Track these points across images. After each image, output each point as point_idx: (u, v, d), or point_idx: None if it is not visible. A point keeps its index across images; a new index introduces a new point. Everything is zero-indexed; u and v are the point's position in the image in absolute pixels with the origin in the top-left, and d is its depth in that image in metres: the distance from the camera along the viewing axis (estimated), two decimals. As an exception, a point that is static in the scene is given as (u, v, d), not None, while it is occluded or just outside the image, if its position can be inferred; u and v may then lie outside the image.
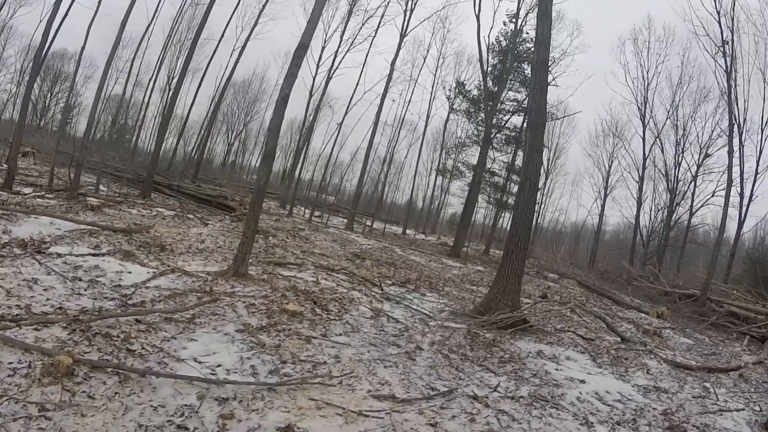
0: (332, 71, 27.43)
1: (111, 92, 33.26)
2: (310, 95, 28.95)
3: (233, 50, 25.58)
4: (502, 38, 25.35)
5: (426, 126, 33.71)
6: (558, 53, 23.95)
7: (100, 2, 14.31)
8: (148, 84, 29.02)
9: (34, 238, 7.57)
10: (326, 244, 13.13)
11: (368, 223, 25.05)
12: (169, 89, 29.29)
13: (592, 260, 28.91)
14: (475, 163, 23.56)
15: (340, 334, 5.62)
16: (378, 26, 26.27)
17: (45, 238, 7.79)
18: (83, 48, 14.36)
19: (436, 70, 33.04)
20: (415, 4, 24.57)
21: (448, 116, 32.94)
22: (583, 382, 5.63)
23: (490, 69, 23.41)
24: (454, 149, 32.78)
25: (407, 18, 24.44)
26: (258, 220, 7.69)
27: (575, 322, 8.80)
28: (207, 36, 30.94)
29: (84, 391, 3.49)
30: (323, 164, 28.90)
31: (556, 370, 5.88)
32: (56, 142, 14.95)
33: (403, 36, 24.31)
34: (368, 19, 26.99)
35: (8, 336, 4.00)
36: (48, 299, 5.22)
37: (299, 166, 29.50)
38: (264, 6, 24.31)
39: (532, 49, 13.55)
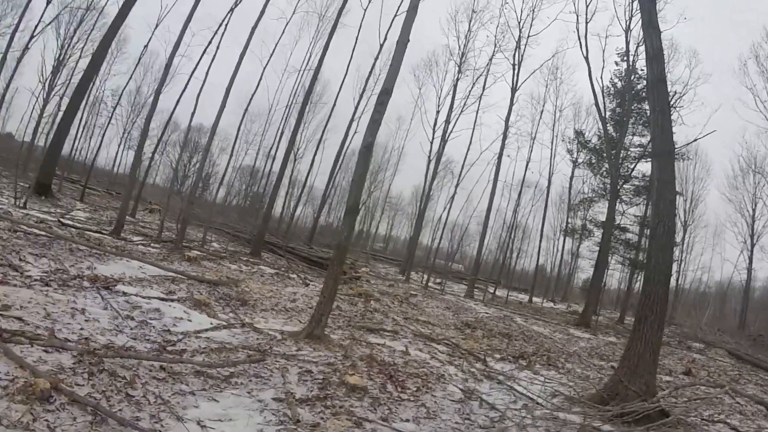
0: (447, 134, 30.52)
1: (242, 162, 40.65)
2: (428, 160, 32.21)
3: (351, 120, 29.25)
4: (616, 79, 26.56)
5: (549, 184, 35.57)
6: (679, 87, 24.32)
7: (206, 74, 18.59)
8: (269, 152, 34.54)
9: (109, 275, 8.62)
10: (437, 311, 13.49)
11: (491, 290, 26.34)
12: (295, 158, 34.65)
13: (741, 323, 28.77)
14: (604, 220, 24.63)
15: (407, 420, 5.00)
16: (485, 83, 29.45)
17: (123, 277, 8.82)
18: (216, 123, 17.14)
19: (554, 125, 35.39)
20: (523, 56, 27.34)
21: (572, 172, 34.80)
22: None
23: (608, 114, 24.80)
24: (580, 207, 34.19)
25: (516, 72, 27.22)
26: (338, 279, 7.98)
27: (726, 406, 8.07)
28: (323, 100, 36.21)
29: (46, 420, 3.51)
30: (447, 230, 31.55)
31: None
32: (185, 203, 17.68)
33: (514, 90, 26.89)
34: (478, 78, 30.47)
35: (9, 349, 4.28)
36: (82, 329, 5.58)
37: (420, 232, 32.07)
38: (368, 76, 28.20)
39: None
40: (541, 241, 36.70)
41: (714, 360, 14.89)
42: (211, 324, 7.11)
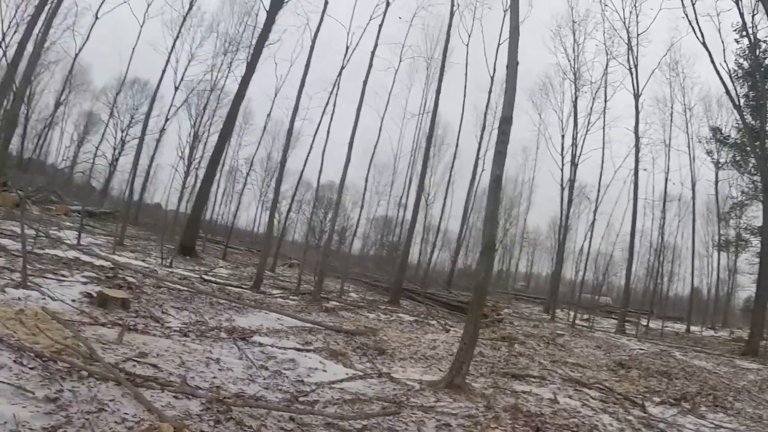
0: (576, 158, 30.31)
1: (375, 213, 43.17)
2: (562, 189, 32.03)
3: (477, 158, 30.04)
4: (741, 59, 24.55)
5: (693, 194, 33.43)
6: None
7: (327, 133, 20.42)
8: (400, 201, 36.33)
9: (246, 327, 9.06)
10: (586, 351, 13.11)
11: (643, 323, 25.46)
12: (426, 204, 35.77)
13: None
14: (760, 224, 23.44)
15: None
16: (605, 96, 29.06)
17: (261, 329, 9.21)
18: (342, 181, 18.31)
19: (687, 125, 32.96)
20: (637, 58, 26.38)
21: (716, 175, 32.96)
22: None
23: (743, 101, 23.61)
24: (731, 214, 32.43)
25: (635, 76, 26.35)
26: (478, 323, 7.82)
27: None
28: (445, 142, 37.76)
29: (166, 465, 3.53)
30: (590, 261, 30.39)
31: None
32: (321, 256, 18.67)
33: (637, 97, 26.01)
34: (597, 91, 29.95)
35: (140, 393, 4.49)
36: (214, 377, 5.77)
37: (561, 266, 31.81)
38: (485, 110, 29.29)
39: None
40: (693, 260, 34.42)
41: None
42: (347, 374, 7.08)
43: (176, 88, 29.55)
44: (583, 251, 30.30)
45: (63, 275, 9.52)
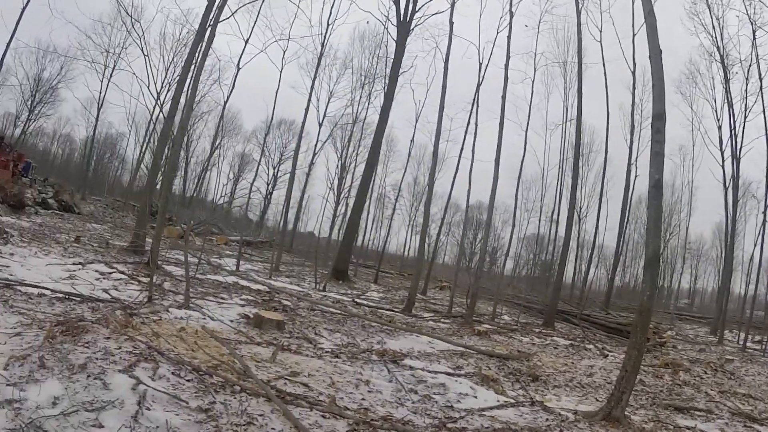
0: (738, 150, 26.97)
1: (526, 231, 41.48)
2: (725, 189, 28.33)
3: (629, 164, 27.32)
4: None
5: None
6: None
7: (472, 153, 19.30)
8: (551, 216, 34.92)
9: (397, 349, 8.97)
10: (759, 380, 11.87)
11: None
12: (579, 218, 35.00)
13: None
14: None
15: None
16: (760, 74, 24.53)
17: (412, 352, 9.08)
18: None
19: None
20: None
21: None
22: None
23: None
24: None
25: None
26: (643, 349, 7.10)
27: None
28: (593, 149, 35.57)
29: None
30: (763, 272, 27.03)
31: None
32: (473, 278, 18.38)
33: None
34: (749, 68, 25.98)
35: (288, 410, 4.51)
36: (363, 399, 5.70)
37: (729, 279, 28.31)
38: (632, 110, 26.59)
39: None
40: None
41: None
42: (498, 401, 6.70)
43: (320, 125, 31.72)
44: (753, 260, 25.90)
45: (222, 298, 10.19)
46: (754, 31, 25.09)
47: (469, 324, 13.61)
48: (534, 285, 32.46)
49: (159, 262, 11.95)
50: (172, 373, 4.69)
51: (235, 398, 4.56)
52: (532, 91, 28.49)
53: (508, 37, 19.01)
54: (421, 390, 6.70)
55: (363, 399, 5.73)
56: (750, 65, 26.08)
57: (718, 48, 27.52)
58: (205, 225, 28.93)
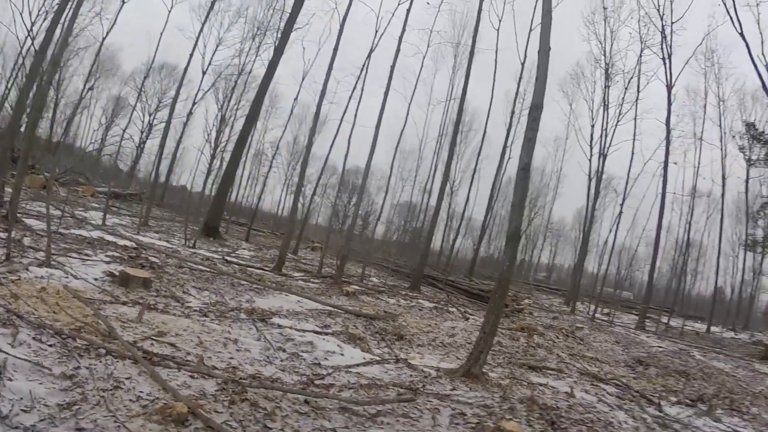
0: (605, 149, 29.82)
1: (400, 198, 43.53)
2: (589, 180, 31.55)
3: (504, 146, 29.60)
4: None
5: (723, 191, 32.77)
6: None
7: (354, 118, 20.87)
8: (425, 187, 36.32)
9: (266, 308, 9.07)
10: (605, 346, 13.16)
11: (664, 320, 25.62)
12: (452, 191, 36.22)
13: None
14: None
15: None
16: (638, 86, 28.08)
17: (280, 311, 9.23)
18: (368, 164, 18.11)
19: (720, 119, 32.56)
20: (671, 47, 25.78)
21: (747, 173, 31.91)
22: None
23: None
24: (761, 213, 31.06)
25: (668, 67, 25.79)
26: (500, 313, 7.76)
27: None
28: (473, 128, 37.62)
29: (180, 444, 3.54)
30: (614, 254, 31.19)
31: None
32: (344, 240, 18.72)
33: (670, 88, 25.54)
34: (629, 81, 29.27)
35: (156, 372, 4.51)
36: (231, 358, 5.79)
37: (584, 258, 31.56)
38: (515, 98, 28.84)
39: None
40: (719, 259, 33.80)
41: None
42: (364, 359, 7.05)
43: (204, 73, 30.09)
44: (607, 244, 30.23)
45: (87, 254, 9.64)
46: (642, 50, 27.98)
47: (338, 284, 13.98)
48: (403, 250, 33.85)
49: (18, 215, 10.95)
50: (33, 338, 4.49)
51: (100, 362, 4.47)
52: (422, 66, 29.70)
53: (408, 10, 19.48)
54: (290, 348, 6.88)
55: (231, 358, 5.81)
56: (631, 78, 29.12)
57: (605, 56, 30.49)
58: (71, 174, 26.48)
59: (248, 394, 4.63)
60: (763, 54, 20.25)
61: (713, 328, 28.52)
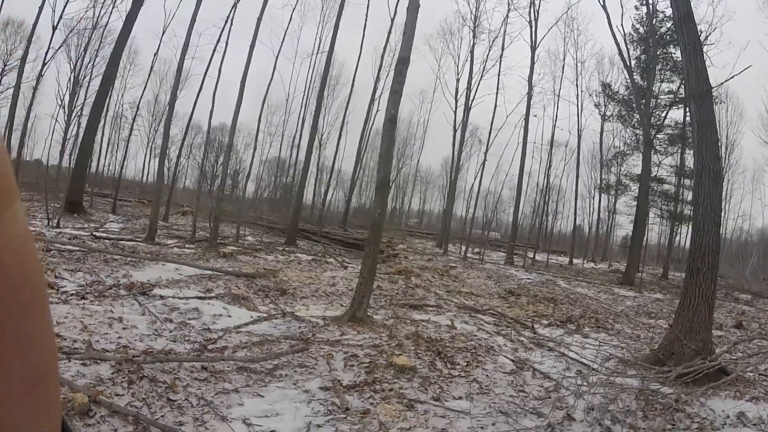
0: (470, 102, 30.83)
1: (268, 155, 42.17)
2: (454, 131, 32.61)
3: (372, 99, 29.84)
4: (638, 25, 26.63)
5: (579, 142, 35.89)
6: (704, 26, 23.89)
7: (219, 72, 18.08)
8: (293, 142, 36.05)
9: (145, 281, 8.77)
10: (479, 281, 13.84)
11: (530, 255, 27.07)
12: (320, 144, 35.53)
13: (788, 270, 28.04)
14: (639, 172, 25.21)
15: (460, 398, 4.89)
16: (503, 45, 29.90)
17: (160, 281, 8.96)
18: (234, 121, 17.26)
19: (577, 79, 35.33)
20: (538, 12, 27.64)
21: (602, 126, 35.03)
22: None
23: (634, 63, 25.51)
24: (613, 161, 34.73)
25: (534, 29, 27.51)
26: (376, 259, 8.02)
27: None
28: (341, 82, 37.24)
29: (85, 435, 3.48)
30: (480, 199, 32.34)
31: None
32: (215, 201, 18.03)
33: (534, 49, 27.29)
34: (494, 40, 30.92)
35: (44, 367, 4.33)
36: (120, 337, 5.62)
37: (453, 204, 32.99)
38: (383, 52, 29.03)
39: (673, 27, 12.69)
40: (576, 200, 37.03)
41: (764, 310, 14.83)
42: (251, 317, 7.14)
43: (54, 28, 25.72)
44: (473, 190, 31.63)
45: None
46: (508, 11, 29.31)
47: (214, 247, 13.68)
48: (276, 207, 33.15)
49: None
50: None
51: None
52: (291, 19, 28.53)
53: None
54: (176, 318, 6.79)
55: (120, 338, 5.65)
56: (496, 37, 30.52)
57: (472, 15, 31.45)
58: None
59: (145, 371, 4.62)
60: (622, 24, 22.46)
61: (575, 261, 30.98)
